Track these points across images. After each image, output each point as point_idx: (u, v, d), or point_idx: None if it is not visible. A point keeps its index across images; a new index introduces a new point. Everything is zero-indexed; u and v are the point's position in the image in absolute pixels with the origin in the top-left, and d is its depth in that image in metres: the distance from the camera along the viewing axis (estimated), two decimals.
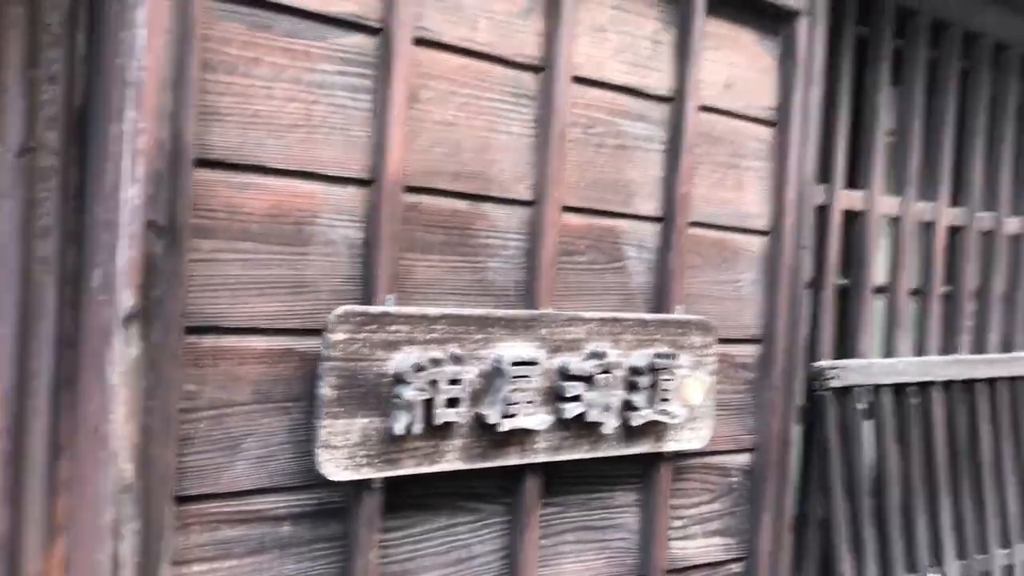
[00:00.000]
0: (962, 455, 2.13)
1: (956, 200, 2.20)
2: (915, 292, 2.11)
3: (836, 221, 1.90)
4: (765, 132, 1.68)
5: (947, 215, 2.14)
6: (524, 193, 1.37)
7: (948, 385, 2.12)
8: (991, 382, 2.21)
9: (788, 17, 1.67)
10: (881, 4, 1.95)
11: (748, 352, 1.69)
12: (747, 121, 1.66)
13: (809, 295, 1.90)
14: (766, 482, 1.69)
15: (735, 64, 1.63)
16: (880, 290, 2.04)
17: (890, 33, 1.97)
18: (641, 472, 1.53)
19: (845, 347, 1.99)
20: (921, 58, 2.04)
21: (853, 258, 1.99)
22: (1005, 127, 2.27)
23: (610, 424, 1.40)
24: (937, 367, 2.07)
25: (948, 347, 2.20)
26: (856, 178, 2.00)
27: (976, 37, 2.16)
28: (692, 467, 1.62)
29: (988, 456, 2.18)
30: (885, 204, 2.00)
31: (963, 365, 2.14)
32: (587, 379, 1.37)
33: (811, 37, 1.69)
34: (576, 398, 1.36)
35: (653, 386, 1.45)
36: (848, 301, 1.99)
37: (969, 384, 2.16)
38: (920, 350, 2.11)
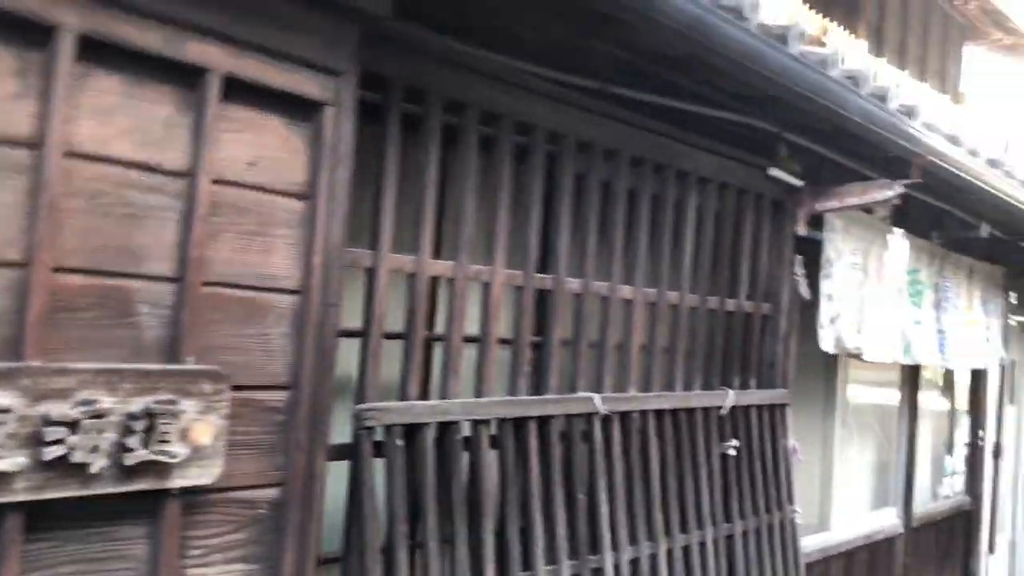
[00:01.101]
0: (512, 484, 2.46)
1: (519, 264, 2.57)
2: (473, 340, 2.44)
3: (383, 281, 2.18)
4: (295, 204, 1.92)
5: (503, 276, 2.49)
6: (14, 256, 1.52)
7: (502, 423, 2.45)
8: (544, 419, 2.57)
9: (315, 106, 1.93)
10: (428, 96, 2.27)
11: (277, 397, 1.91)
12: (275, 195, 1.89)
13: (359, 345, 2.18)
14: (291, 514, 1.91)
15: (262, 145, 1.86)
16: (439, 339, 2.35)
17: (438, 120, 2.29)
18: (149, 507, 1.70)
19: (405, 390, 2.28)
20: (472, 142, 2.38)
21: (410, 313, 2.28)
22: (562, 202, 2.67)
23: (98, 464, 1.56)
24: (484, 407, 2.40)
25: (512, 390, 2.54)
26: (421, 244, 2.30)
27: (529, 127, 2.54)
28: (214, 501, 1.80)
29: (538, 485, 2.52)
30: (436, 267, 2.31)
31: (514, 405, 2.49)
32: (72, 424, 1.53)
33: (338, 124, 1.96)
34: (59, 442, 1.51)
35: (150, 430, 1.63)
36: (406, 350, 2.28)
37: (523, 421, 2.51)
38: (480, 392, 2.44)
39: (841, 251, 3.96)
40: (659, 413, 2.99)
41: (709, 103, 3.15)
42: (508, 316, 2.58)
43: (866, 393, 5.24)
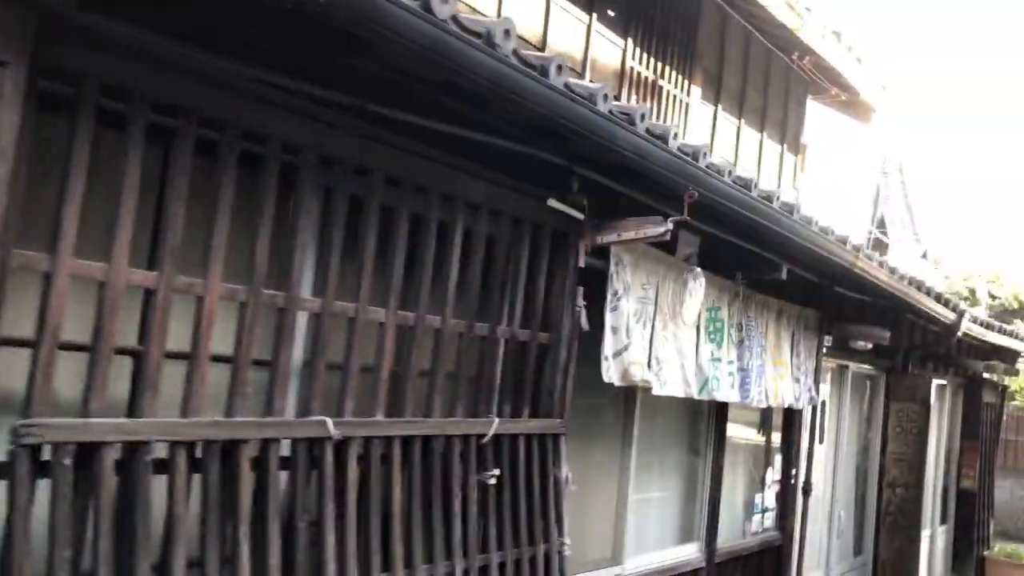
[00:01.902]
0: (217, 510, 2.33)
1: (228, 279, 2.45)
2: (183, 356, 2.31)
3: (61, 287, 2.04)
4: None
5: (220, 289, 2.37)
6: None
7: (210, 445, 2.33)
8: (265, 443, 2.46)
9: None
10: (132, 95, 2.14)
11: None
12: None
13: (30, 356, 2.02)
14: None
15: None
16: (128, 353, 2.22)
17: (143, 120, 2.17)
18: None
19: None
20: (187, 147, 2.27)
21: (98, 324, 2.14)
22: (301, 216, 2.58)
23: None
24: (187, 428, 2.27)
25: (229, 410, 2.42)
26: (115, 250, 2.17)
27: (262, 137, 2.45)
28: None
29: (248, 511, 2.40)
30: (133, 276, 2.18)
31: (226, 427, 2.36)
32: None
33: None
34: None
35: None
36: (91, 364, 2.13)
37: (236, 444, 2.39)
38: (187, 412, 2.31)
39: (630, 285, 4.01)
40: (408, 439, 2.91)
41: (489, 130, 3.14)
42: (232, 333, 2.46)
43: (670, 427, 5.33)
